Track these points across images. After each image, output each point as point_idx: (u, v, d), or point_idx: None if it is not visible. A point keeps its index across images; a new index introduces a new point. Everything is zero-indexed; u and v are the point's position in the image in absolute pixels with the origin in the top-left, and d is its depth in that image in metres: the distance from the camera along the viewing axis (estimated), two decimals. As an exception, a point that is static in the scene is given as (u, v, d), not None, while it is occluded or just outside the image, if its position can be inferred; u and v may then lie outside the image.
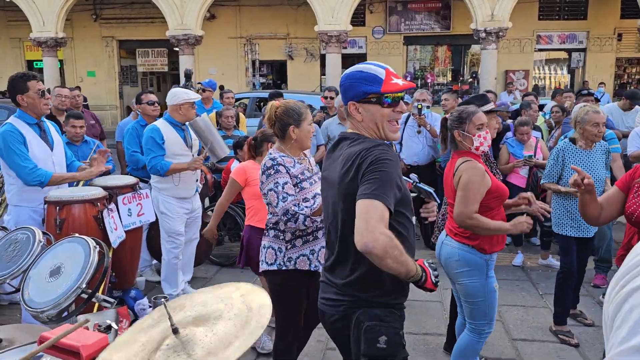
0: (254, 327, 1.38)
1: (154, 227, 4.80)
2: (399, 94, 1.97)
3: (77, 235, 2.16)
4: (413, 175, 2.55)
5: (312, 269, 2.91)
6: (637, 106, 6.99)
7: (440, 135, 3.17)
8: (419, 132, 6.02)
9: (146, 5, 16.36)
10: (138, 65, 19.32)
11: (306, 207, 2.80)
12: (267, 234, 2.99)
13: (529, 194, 3.00)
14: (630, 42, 16.96)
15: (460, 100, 5.69)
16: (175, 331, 1.37)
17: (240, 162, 5.07)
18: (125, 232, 3.99)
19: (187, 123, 4.43)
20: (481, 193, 2.88)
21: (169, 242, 4.54)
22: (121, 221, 3.91)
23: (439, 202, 2.48)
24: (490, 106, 3.52)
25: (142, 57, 19.04)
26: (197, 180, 4.63)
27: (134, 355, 1.33)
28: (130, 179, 4.29)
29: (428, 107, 6.02)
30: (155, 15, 16.26)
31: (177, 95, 4.37)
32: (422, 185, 2.40)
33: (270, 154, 2.92)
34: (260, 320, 1.39)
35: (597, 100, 7.42)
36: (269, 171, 2.84)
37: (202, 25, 15.41)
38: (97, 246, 2.07)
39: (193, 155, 4.46)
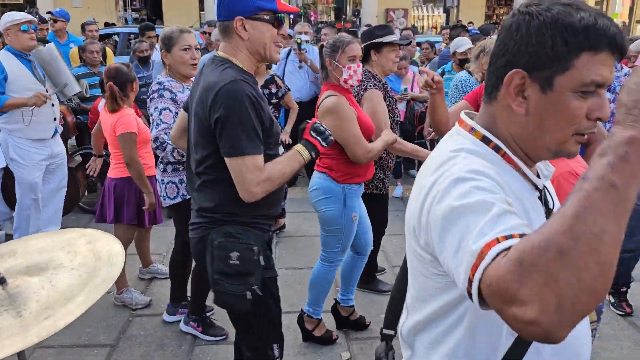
0: (104, 278, 1.20)
1: (9, 175, 4.28)
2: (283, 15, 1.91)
3: None
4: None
5: None
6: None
7: (320, 64, 3.03)
8: (300, 67, 5.88)
9: None
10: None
11: None
12: (164, 169, 3.08)
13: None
14: (499, -17, 17.88)
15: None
16: (1, 281, 1.15)
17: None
18: (-28, 181, 3.50)
19: (31, 53, 3.89)
20: (356, 126, 2.83)
21: (21, 193, 4.07)
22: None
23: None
24: (392, 37, 3.36)
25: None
26: (54, 120, 4.13)
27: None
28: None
29: (307, 41, 5.86)
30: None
31: (1, 20, 3.83)
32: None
33: (158, 78, 2.99)
34: (111, 271, 1.22)
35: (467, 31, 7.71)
36: (152, 95, 2.92)
37: (60, -49, 13.72)
38: None
39: (47, 90, 3.96)
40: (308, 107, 6.02)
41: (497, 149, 1.05)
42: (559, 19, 0.94)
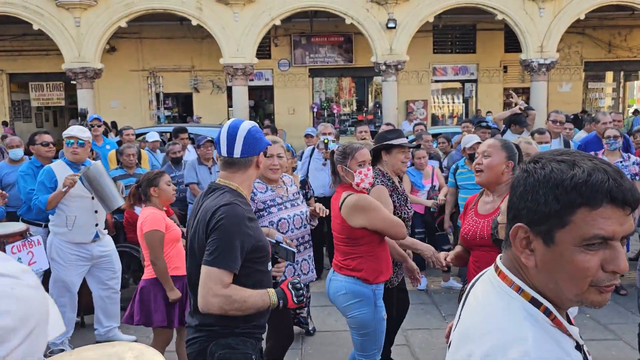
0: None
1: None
2: None
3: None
4: (279, 236, 2.82)
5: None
6: (525, 129, 7.55)
7: (332, 170, 3.21)
8: (324, 164, 6.15)
9: (39, 37, 15.56)
10: (32, 100, 18.20)
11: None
12: None
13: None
14: (515, 74, 18.48)
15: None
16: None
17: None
18: (15, 283, 3.70)
19: (81, 171, 4.21)
20: (386, 212, 3.00)
21: (57, 291, 4.27)
22: (9, 272, 3.63)
23: (293, 262, 2.81)
24: (401, 140, 3.63)
25: (36, 91, 17.98)
26: (96, 225, 4.40)
27: None
28: (19, 226, 4.02)
29: (333, 141, 6.20)
30: (50, 48, 15.49)
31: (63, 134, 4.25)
32: (284, 245, 2.67)
33: None
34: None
35: (489, 127, 7.99)
36: None
37: (102, 58, 14.89)
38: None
39: (93, 199, 4.26)
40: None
41: (547, 312, 1.02)
42: (552, 177, 0.97)
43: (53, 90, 17.96)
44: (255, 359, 2.11)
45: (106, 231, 4.59)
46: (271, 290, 2.11)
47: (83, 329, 4.78)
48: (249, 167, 2.21)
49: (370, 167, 3.12)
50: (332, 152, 3.23)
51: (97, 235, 4.40)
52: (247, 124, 2.21)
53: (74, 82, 14.95)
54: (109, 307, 4.56)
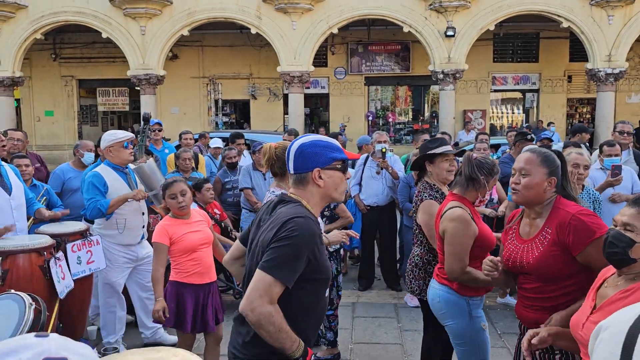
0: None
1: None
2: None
3: (12, 291, 2.06)
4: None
5: None
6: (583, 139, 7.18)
7: (467, 175, 3.05)
8: (378, 172, 6.08)
9: (107, 45, 16.29)
10: (98, 105, 19.08)
11: None
12: None
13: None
14: (580, 84, 17.76)
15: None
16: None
17: (198, 205, 4.99)
18: (75, 280, 3.84)
19: (131, 167, 4.33)
20: (468, 244, 2.85)
21: (105, 293, 4.39)
22: (70, 270, 3.77)
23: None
24: (444, 148, 3.56)
25: (103, 96, 18.83)
26: (143, 227, 4.49)
27: None
28: (80, 225, 4.16)
29: (391, 150, 6.13)
30: (117, 55, 16.20)
31: (105, 138, 4.30)
32: None
33: (273, 191, 3.17)
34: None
35: (550, 140, 7.64)
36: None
37: (164, 65, 15.42)
38: (34, 303, 1.97)
39: (140, 201, 4.36)
40: (384, 212, 6.16)
41: None
42: None
43: (118, 96, 18.76)
44: None
45: (147, 234, 4.67)
46: (301, 343, 1.95)
47: (137, 327, 4.88)
48: (306, 184, 2.08)
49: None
50: (471, 157, 3.08)
51: (143, 237, 4.49)
52: (303, 139, 2.12)
53: (138, 88, 15.54)
54: (151, 309, 4.64)
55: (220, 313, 3.76)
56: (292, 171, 2.10)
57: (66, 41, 18.00)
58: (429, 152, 3.50)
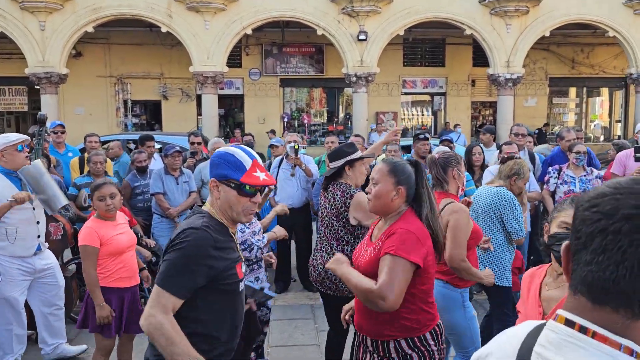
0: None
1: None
2: (257, 188, 2.08)
3: None
4: (265, 284, 2.91)
5: None
6: (494, 143, 7.64)
7: (437, 176, 3.24)
8: (292, 174, 6.09)
9: (2, 40, 15.11)
10: (-7, 104, 17.66)
11: (258, 239, 3.46)
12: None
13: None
14: (482, 88, 18.83)
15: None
16: None
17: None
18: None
19: (18, 171, 4.04)
20: (468, 233, 3.04)
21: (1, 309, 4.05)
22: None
23: (272, 296, 2.75)
24: (357, 154, 3.64)
25: (-2, 95, 17.45)
26: (38, 237, 4.19)
27: None
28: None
29: (304, 147, 6.15)
30: (13, 51, 15.08)
31: None
32: (267, 292, 2.67)
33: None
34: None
35: (450, 141, 7.99)
36: None
37: (67, 63, 14.54)
38: None
39: (34, 209, 4.08)
40: (300, 214, 6.18)
41: None
42: None
43: (16, 95, 17.46)
44: None
45: (47, 244, 4.38)
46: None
47: (37, 344, 4.56)
48: (211, 190, 2.11)
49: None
50: (435, 159, 3.26)
51: (39, 248, 4.19)
52: (224, 148, 2.14)
53: (38, 87, 14.55)
54: (54, 324, 4.34)
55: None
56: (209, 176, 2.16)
57: (-46, 35, 16.50)
58: (353, 156, 3.58)
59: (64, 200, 4.22)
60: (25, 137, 4.11)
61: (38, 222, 4.17)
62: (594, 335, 0.87)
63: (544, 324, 0.96)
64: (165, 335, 1.86)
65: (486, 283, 3.18)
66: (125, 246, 3.61)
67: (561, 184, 5.70)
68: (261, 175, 2.05)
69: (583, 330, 0.88)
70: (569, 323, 0.90)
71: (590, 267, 0.88)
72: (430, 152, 6.95)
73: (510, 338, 1.02)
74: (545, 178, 5.88)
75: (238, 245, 2.21)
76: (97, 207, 3.61)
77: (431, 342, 2.34)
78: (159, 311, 1.88)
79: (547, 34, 15.16)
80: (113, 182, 3.81)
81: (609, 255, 0.85)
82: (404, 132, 18.37)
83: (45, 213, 4.33)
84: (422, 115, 20.02)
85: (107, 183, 3.66)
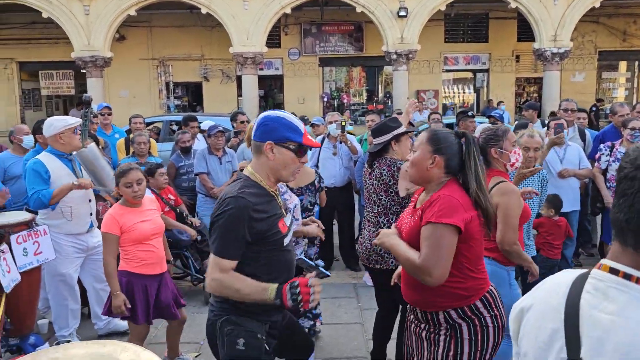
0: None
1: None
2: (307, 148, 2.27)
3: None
4: (320, 262, 2.78)
5: None
6: (538, 119, 7.37)
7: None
8: (334, 153, 6.05)
9: (48, 25, 15.52)
10: (42, 89, 18.22)
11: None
12: None
13: None
14: (527, 63, 18.22)
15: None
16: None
17: (151, 190, 4.84)
18: (21, 273, 3.66)
19: (73, 153, 4.13)
20: (519, 215, 2.95)
21: (54, 285, 4.19)
22: (15, 262, 3.59)
23: (327, 274, 2.62)
24: (402, 129, 3.60)
25: (46, 79, 17.99)
26: (90, 215, 4.31)
27: None
28: (24, 215, 3.95)
29: (351, 123, 6.10)
30: (59, 36, 15.47)
31: (53, 124, 4.04)
32: (322, 269, 2.60)
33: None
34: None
35: (497, 119, 7.79)
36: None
37: (111, 47, 14.84)
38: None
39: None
40: (342, 192, 6.16)
41: None
42: None
43: (63, 79, 17.97)
44: (261, 337, 2.20)
45: (97, 222, 4.50)
46: (272, 286, 2.15)
47: (90, 320, 4.73)
48: (260, 153, 2.21)
49: (519, 147, 3.14)
50: (474, 140, 3.07)
51: (91, 225, 4.31)
52: (270, 112, 2.26)
53: (84, 71, 14.93)
54: (105, 300, 4.51)
55: (180, 298, 3.76)
56: (253, 138, 2.23)
57: (3, 21, 17.04)
58: (398, 131, 3.54)
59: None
60: (80, 120, 4.20)
61: (90, 200, 4.28)
62: (638, 281, 0.96)
63: (587, 273, 1.04)
64: (230, 288, 2.13)
65: (533, 272, 3.09)
66: (149, 234, 3.52)
67: (614, 161, 5.46)
68: (313, 138, 2.15)
69: (627, 277, 0.97)
70: (613, 271, 0.99)
71: (615, 210, 0.99)
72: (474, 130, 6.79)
73: (554, 286, 1.09)
74: (597, 155, 5.65)
75: (281, 202, 2.32)
76: (123, 193, 3.48)
77: (483, 310, 2.26)
78: (217, 272, 2.12)
79: (597, 5, 14.46)
80: (139, 167, 3.65)
81: (625, 199, 0.96)
82: (445, 109, 18.05)
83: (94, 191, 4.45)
84: (464, 92, 19.58)
85: (133, 169, 3.51)
